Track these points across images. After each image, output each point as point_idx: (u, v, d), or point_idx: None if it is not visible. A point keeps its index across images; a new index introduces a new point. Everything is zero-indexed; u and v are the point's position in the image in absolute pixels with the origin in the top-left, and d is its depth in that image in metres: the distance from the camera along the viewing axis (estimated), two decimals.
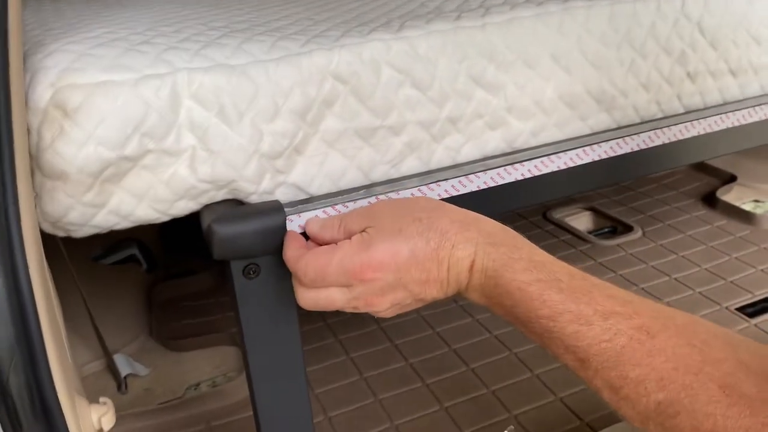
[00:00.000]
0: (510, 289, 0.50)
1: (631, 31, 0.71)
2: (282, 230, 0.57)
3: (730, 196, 1.56)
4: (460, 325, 1.19)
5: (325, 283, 0.52)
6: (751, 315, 1.15)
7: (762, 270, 1.28)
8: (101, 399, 0.52)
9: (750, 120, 0.78)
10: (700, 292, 1.22)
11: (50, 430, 0.45)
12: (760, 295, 1.20)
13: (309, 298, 0.54)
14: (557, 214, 1.55)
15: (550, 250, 1.52)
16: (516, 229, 1.65)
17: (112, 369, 1.12)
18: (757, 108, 0.78)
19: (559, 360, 0.49)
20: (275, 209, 0.57)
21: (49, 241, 0.62)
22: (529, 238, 1.58)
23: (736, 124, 0.77)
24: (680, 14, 0.73)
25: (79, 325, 1.11)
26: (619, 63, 0.72)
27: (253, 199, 0.59)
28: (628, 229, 1.46)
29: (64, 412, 0.46)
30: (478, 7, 0.71)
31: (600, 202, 1.60)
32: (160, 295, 1.33)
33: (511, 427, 0.86)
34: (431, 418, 0.98)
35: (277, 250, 0.57)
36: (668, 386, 0.42)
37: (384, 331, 1.18)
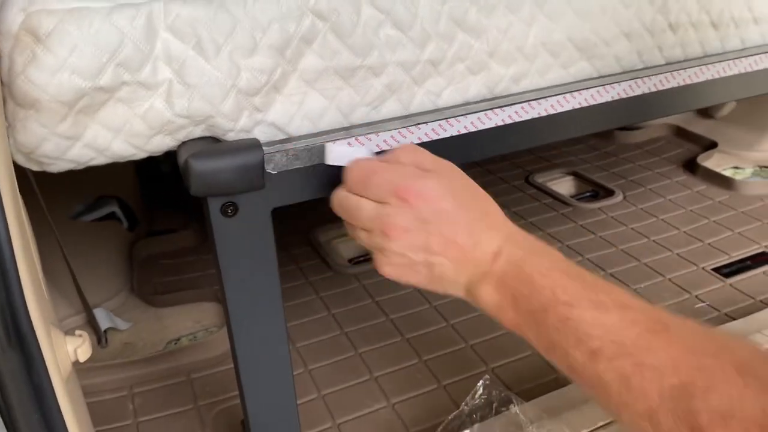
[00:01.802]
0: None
1: None
2: (260, 168, 0.57)
3: (711, 162, 1.57)
4: None
5: (365, 189, 0.53)
6: (727, 275, 1.17)
7: (739, 233, 1.30)
8: (77, 331, 0.52)
9: (729, 73, 0.78)
10: (677, 254, 1.24)
11: (24, 356, 0.45)
12: (736, 256, 1.22)
13: (342, 196, 0.55)
14: (540, 179, 1.56)
15: (533, 212, 1.53)
16: (499, 192, 1.65)
17: (92, 323, 1.12)
18: (736, 61, 0.78)
19: (565, 362, 0.47)
20: (253, 146, 0.57)
21: (30, 200, 0.61)
22: (512, 201, 1.60)
23: (716, 76, 0.77)
24: None
25: (60, 281, 1.10)
26: (602, 11, 0.71)
27: (231, 136, 0.58)
28: (610, 193, 1.47)
29: (38, 338, 0.46)
30: None
31: (582, 167, 1.61)
32: (141, 252, 1.32)
33: (486, 377, 0.87)
34: (410, 370, 0.99)
35: (255, 187, 0.57)
36: (684, 369, 0.41)
37: (365, 288, 1.19)
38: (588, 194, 1.53)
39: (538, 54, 0.69)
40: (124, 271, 1.26)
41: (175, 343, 1.11)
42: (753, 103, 1.60)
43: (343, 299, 1.17)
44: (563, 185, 1.57)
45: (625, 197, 1.45)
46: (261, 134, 0.60)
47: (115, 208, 1.35)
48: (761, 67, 0.81)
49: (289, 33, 0.57)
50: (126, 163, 0.59)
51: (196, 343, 1.07)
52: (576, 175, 1.58)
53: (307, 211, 1.44)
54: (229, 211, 0.58)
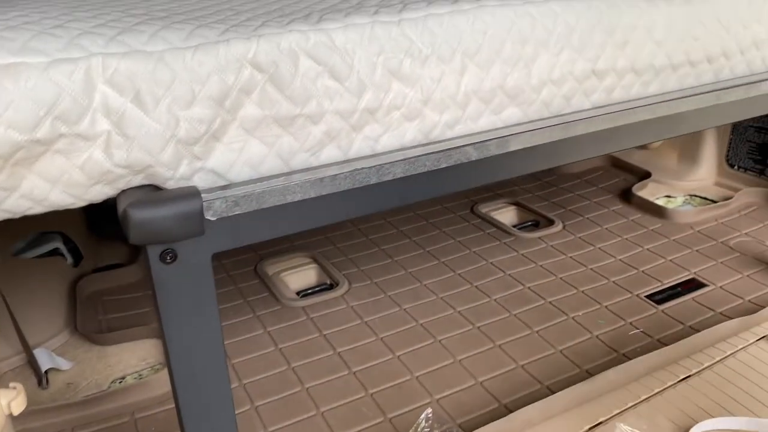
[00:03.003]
0: None
1: (542, 29, 0.75)
2: (198, 216, 0.58)
3: (645, 191, 1.65)
4: (387, 315, 1.22)
5: None
6: (659, 302, 1.22)
7: (671, 260, 1.36)
8: (11, 384, 0.51)
9: (653, 116, 0.84)
10: (614, 281, 1.29)
11: None
12: (667, 283, 1.28)
13: None
14: (484, 209, 1.60)
15: (477, 242, 1.57)
16: (445, 222, 1.69)
17: (32, 364, 1.10)
18: (655, 106, 0.84)
19: None
20: (192, 195, 0.58)
21: None
22: (458, 231, 1.64)
23: (640, 119, 0.83)
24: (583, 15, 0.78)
25: None
26: (530, 60, 0.76)
27: (171, 184, 0.60)
28: (550, 222, 1.52)
29: None
30: (398, 2, 0.74)
31: (524, 197, 1.66)
32: (85, 289, 1.30)
33: (429, 410, 0.89)
34: (356, 404, 1.00)
35: (194, 234, 0.58)
36: None
37: (313, 322, 1.20)
38: (530, 223, 1.58)
39: (470, 101, 0.73)
40: (67, 309, 1.23)
41: (120, 382, 1.09)
42: (685, 135, 1.69)
43: (290, 333, 1.17)
44: (506, 215, 1.62)
45: (564, 226, 1.51)
46: (201, 181, 0.61)
47: (58, 244, 1.33)
48: (679, 110, 0.86)
49: (227, 84, 0.59)
50: None
51: (141, 382, 1.06)
52: (518, 205, 1.63)
53: (255, 244, 1.45)
54: (168, 258, 0.59)
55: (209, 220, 0.60)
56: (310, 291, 1.33)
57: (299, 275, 1.37)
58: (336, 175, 0.66)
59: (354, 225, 1.55)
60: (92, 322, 1.22)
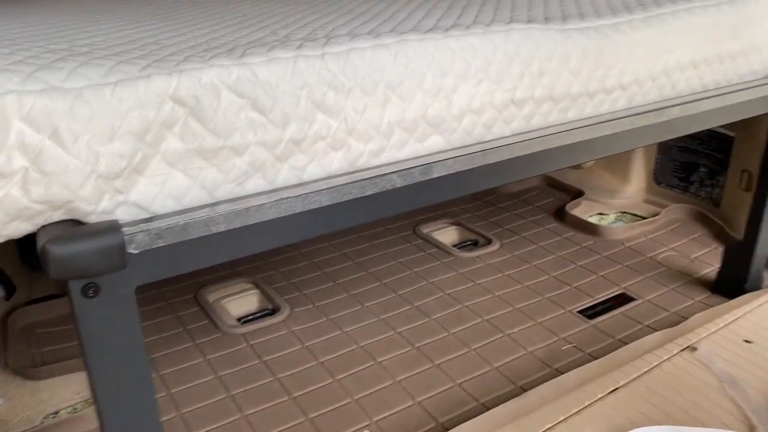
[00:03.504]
0: None
1: (462, 62, 0.78)
2: (120, 250, 0.58)
3: (578, 210, 1.71)
4: (328, 339, 1.23)
5: None
6: (590, 317, 1.27)
7: (602, 276, 1.42)
8: None
9: (571, 141, 0.88)
10: (548, 298, 1.34)
11: None
12: (599, 298, 1.33)
13: None
14: (425, 229, 1.63)
15: (418, 263, 1.60)
16: (387, 244, 1.71)
17: None
18: (578, 130, 0.88)
19: None
20: (113, 229, 0.58)
21: None
22: (400, 252, 1.66)
23: (559, 144, 0.87)
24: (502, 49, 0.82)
25: None
26: (452, 90, 0.79)
27: (92, 218, 0.60)
28: (488, 241, 1.57)
29: None
30: (322, 37, 0.76)
31: (464, 217, 1.70)
32: (18, 321, 1.27)
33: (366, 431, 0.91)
34: (296, 429, 1.01)
35: (115, 268, 0.58)
36: None
37: (253, 349, 1.20)
38: (469, 243, 1.62)
39: (394, 131, 0.76)
40: None
41: (54, 417, 1.07)
42: (616, 155, 1.77)
43: (230, 361, 1.17)
44: (447, 235, 1.65)
45: (502, 245, 1.55)
46: (124, 214, 0.62)
47: None
48: (595, 135, 0.91)
49: (148, 119, 0.60)
50: None
51: (75, 416, 1.04)
52: (459, 225, 1.67)
53: (196, 271, 1.44)
54: (90, 292, 0.59)
55: (132, 253, 0.60)
56: (251, 317, 1.33)
57: (240, 301, 1.36)
58: (261, 204, 0.67)
59: (296, 249, 1.56)
60: (24, 356, 1.19)
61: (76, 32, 0.78)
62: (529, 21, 0.88)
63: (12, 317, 1.26)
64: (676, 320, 1.25)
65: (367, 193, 0.74)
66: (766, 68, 1.14)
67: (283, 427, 1.01)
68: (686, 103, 1.01)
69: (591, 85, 0.91)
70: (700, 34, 1.01)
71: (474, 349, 1.19)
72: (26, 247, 1.45)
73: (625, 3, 1.04)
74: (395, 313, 1.30)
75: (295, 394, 1.08)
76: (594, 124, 0.91)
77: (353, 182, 0.73)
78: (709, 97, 1.03)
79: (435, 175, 0.79)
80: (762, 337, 1.20)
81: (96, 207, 0.59)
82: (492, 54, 0.81)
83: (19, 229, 0.58)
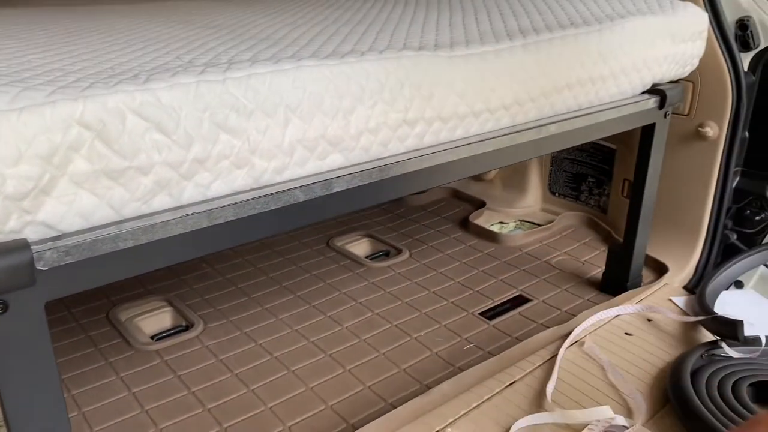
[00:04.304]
0: None
1: (357, 86, 0.86)
2: (28, 267, 0.61)
3: (481, 219, 1.82)
4: (242, 351, 1.26)
5: None
6: (490, 318, 1.37)
7: (501, 280, 1.52)
8: None
9: (458, 157, 0.97)
10: (452, 302, 1.43)
11: None
12: (498, 300, 1.44)
13: None
14: (339, 242, 1.70)
15: (331, 274, 1.65)
16: (301, 257, 1.76)
17: None
18: (465, 146, 0.97)
19: None
20: (20, 247, 0.61)
21: None
22: (314, 265, 1.71)
23: (448, 159, 0.96)
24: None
25: None
26: (349, 112, 0.86)
27: (0, 238, 0.62)
28: (399, 251, 1.65)
29: None
30: (225, 62, 0.82)
31: (376, 229, 1.78)
32: None
33: None
34: None
35: (24, 285, 0.61)
36: None
37: (167, 364, 1.22)
38: (381, 253, 1.69)
39: (295, 149, 0.82)
40: None
41: None
42: (514, 168, 1.90)
43: (144, 377, 1.18)
44: (360, 247, 1.72)
45: (411, 254, 1.64)
46: (32, 233, 0.64)
47: None
48: (480, 151, 1.01)
49: (55, 143, 0.63)
50: None
51: None
52: (371, 237, 1.74)
53: (107, 289, 1.44)
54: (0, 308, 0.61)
55: (40, 269, 0.63)
56: (165, 334, 1.34)
57: (153, 319, 1.37)
58: (168, 221, 0.72)
59: (210, 265, 1.58)
60: None
61: None
62: (420, 48, 0.97)
63: None
64: (567, 318, 1.36)
65: (271, 208, 0.80)
66: (633, 89, 1.28)
67: None
68: (562, 120, 1.12)
69: (476, 105, 1.00)
70: (572, 59, 1.14)
71: (383, 353, 1.25)
72: None
73: (508, 31, 1.14)
74: (309, 323, 1.35)
75: (210, 406, 1.11)
76: (479, 141, 1.00)
77: (257, 198, 0.79)
78: (582, 115, 1.15)
79: (336, 190, 0.85)
80: (640, 329, 1.34)
81: (3, 227, 0.62)
82: (384, 78, 0.88)
83: None
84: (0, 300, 0.61)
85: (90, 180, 0.66)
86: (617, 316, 1.37)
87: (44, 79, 0.69)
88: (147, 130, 0.69)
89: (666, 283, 1.47)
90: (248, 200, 0.78)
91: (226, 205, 0.76)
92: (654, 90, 1.32)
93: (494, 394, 1.11)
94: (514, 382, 1.15)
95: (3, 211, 0.61)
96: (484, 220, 1.82)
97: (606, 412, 1.05)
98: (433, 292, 1.47)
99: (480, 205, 1.89)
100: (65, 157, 0.64)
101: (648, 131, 1.35)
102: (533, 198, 1.91)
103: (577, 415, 1.04)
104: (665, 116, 1.34)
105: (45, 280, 0.63)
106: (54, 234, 0.66)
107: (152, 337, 1.33)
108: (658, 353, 1.24)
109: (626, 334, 1.32)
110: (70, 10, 1.28)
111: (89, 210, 0.67)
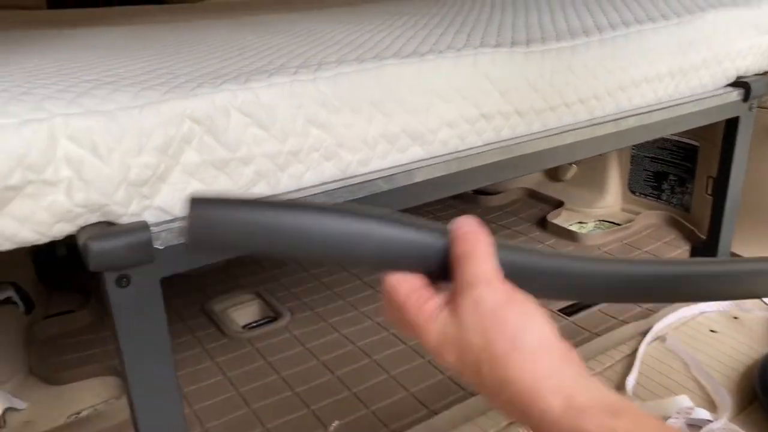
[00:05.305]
0: None
1: (435, 83, 0.90)
2: (148, 245, 0.69)
3: (559, 219, 1.82)
4: (326, 341, 1.33)
5: None
6: (569, 314, 1.38)
7: None
8: None
9: (535, 150, 1.00)
10: None
11: None
12: None
13: None
14: None
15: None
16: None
17: None
18: (542, 139, 1.00)
19: None
20: (142, 228, 0.69)
21: None
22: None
23: (525, 152, 0.99)
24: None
25: None
26: (428, 107, 0.91)
27: (124, 220, 0.71)
28: None
29: None
30: (315, 64, 0.88)
31: None
32: (39, 334, 1.37)
33: (336, 422, 1.00)
34: (299, 419, 1.10)
35: (144, 262, 0.69)
36: None
37: (258, 351, 1.30)
38: None
39: (378, 143, 0.87)
40: (22, 353, 1.30)
41: (76, 417, 1.16)
42: (592, 167, 1.89)
43: (236, 363, 1.27)
44: None
45: None
46: (150, 216, 0.73)
47: (11, 293, 1.39)
48: (557, 144, 1.03)
49: (170, 136, 0.71)
50: (22, 249, 0.69)
51: (95, 414, 1.13)
52: None
53: (203, 283, 1.54)
54: (123, 282, 0.69)
55: (158, 248, 0.71)
56: (255, 324, 1.43)
57: (244, 310, 1.46)
58: None
59: (294, 261, 1.66)
60: (46, 364, 1.29)
61: (99, 65, 0.90)
62: (497, 45, 1.01)
63: (33, 330, 1.36)
64: (647, 314, 1.35)
65: (357, 196, 0.85)
66: (716, 82, 1.26)
67: (287, 417, 1.10)
68: (641, 113, 1.13)
69: (552, 100, 1.03)
70: (651, 53, 1.14)
71: None
72: (43, 267, 1.55)
73: (584, 27, 1.16)
74: None
75: (298, 389, 1.18)
76: (556, 134, 1.03)
77: (344, 187, 0.85)
78: (661, 109, 1.15)
79: (417, 180, 0.90)
80: (726, 327, 1.31)
81: (127, 210, 0.70)
82: (462, 75, 0.92)
83: (63, 229, 0.69)
84: (123, 275, 0.69)
85: (199, 170, 0.74)
86: (702, 312, 1.35)
87: (158, 81, 0.78)
88: (248, 125, 0.76)
89: None
90: (336, 189, 0.84)
91: (317, 194, 0.82)
92: (738, 82, 1.29)
93: None
94: (597, 373, 1.15)
95: (127, 195, 0.70)
96: (562, 219, 1.82)
97: (683, 402, 1.04)
98: None
99: (558, 204, 1.89)
100: (178, 149, 0.72)
101: (732, 125, 1.33)
102: (613, 197, 1.89)
103: (654, 407, 1.04)
104: (750, 109, 1.31)
105: (161, 257, 0.71)
106: (168, 218, 0.74)
107: (243, 327, 1.41)
108: (746, 350, 1.22)
109: (711, 331, 1.30)
110: (172, 25, 1.39)
111: None
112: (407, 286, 0.49)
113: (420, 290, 0.49)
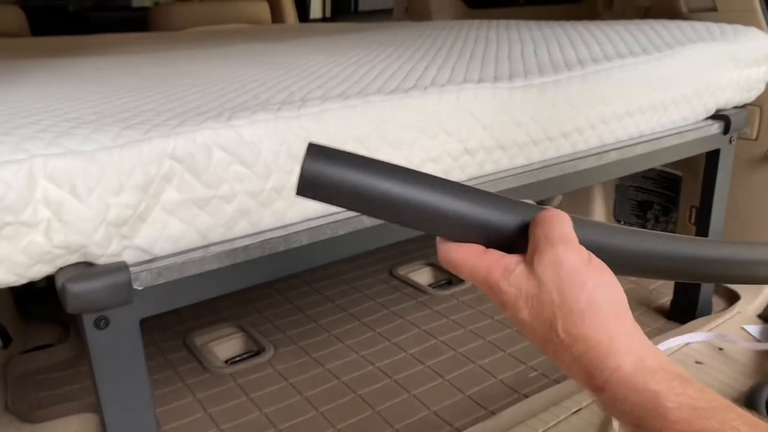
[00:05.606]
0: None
1: (414, 119, 0.90)
2: (127, 286, 0.68)
3: None
4: (311, 375, 1.31)
5: None
6: None
7: None
8: None
9: (519, 184, 1.00)
10: (517, 330, 1.43)
11: None
12: None
13: None
14: (401, 271, 1.73)
15: (395, 302, 1.68)
16: (365, 285, 1.80)
17: None
18: (526, 173, 1.01)
19: None
20: (121, 268, 0.68)
21: None
22: (377, 293, 1.76)
23: (510, 186, 0.99)
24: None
25: None
26: (412, 143, 0.91)
27: (102, 260, 0.69)
28: (462, 280, 1.67)
29: None
30: (298, 100, 0.88)
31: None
32: (16, 370, 1.33)
33: None
34: None
35: (123, 303, 0.68)
36: None
37: (240, 387, 1.27)
38: (443, 282, 1.72)
39: None
40: None
41: None
42: (578, 196, 1.90)
43: (218, 399, 1.24)
44: (422, 275, 1.75)
45: None
46: (129, 256, 0.71)
47: None
48: (541, 178, 1.03)
49: (150, 175, 0.70)
50: None
51: None
52: (433, 265, 1.77)
53: (184, 315, 1.52)
54: (102, 324, 0.68)
55: (137, 289, 0.70)
56: (237, 358, 1.41)
57: (226, 344, 1.44)
58: (248, 245, 0.78)
59: (279, 293, 1.64)
60: (23, 401, 1.25)
61: (81, 101, 0.89)
62: (480, 80, 1.01)
63: (11, 365, 1.33)
64: None
65: (341, 233, 0.85)
66: (696, 115, 1.28)
67: None
68: (623, 147, 1.14)
69: (535, 134, 1.03)
70: (632, 87, 1.15)
71: (447, 379, 1.27)
72: (21, 299, 1.52)
73: (566, 61, 1.17)
74: (374, 349, 1.39)
75: (281, 427, 1.16)
76: (539, 168, 1.03)
77: (328, 223, 0.84)
78: (643, 142, 1.16)
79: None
80: (712, 358, 1.31)
81: (106, 250, 0.69)
82: (446, 110, 0.93)
83: (41, 271, 0.67)
84: (102, 316, 0.68)
85: (180, 208, 0.73)
86: (687, 344, 1.35)
87: (139, 119, 0.77)
88: (230, 163, 0.76)
89: (739, 311, 1.43)
90: (320, 225, 0.83)
91: (301, 230, 0.82)
92: (718, 115, 1.31)
93: (560, 421, 1.11)
94: (580, 409, 1.14)
95: (106, 235, 0.68)
96: None
97: None
98: (497, 320, 1.48)
99: None
100: (159, 188, 0.71)
101: (713, 157, 1.35)
102: None
103: None
104: (730, 141, 1.33)
105: (141, 298, 0.70)
106: (148, 257, 0.73)
107: (226, 362, 1.39)
108: (731, 382, 1.21)
109: (696, 362, 1.29)
110: (155, 56, 1.39)
111: (178, 235, 0.74)
112: (475, 249, 0.51)
113: (490, 251, 0.51)
